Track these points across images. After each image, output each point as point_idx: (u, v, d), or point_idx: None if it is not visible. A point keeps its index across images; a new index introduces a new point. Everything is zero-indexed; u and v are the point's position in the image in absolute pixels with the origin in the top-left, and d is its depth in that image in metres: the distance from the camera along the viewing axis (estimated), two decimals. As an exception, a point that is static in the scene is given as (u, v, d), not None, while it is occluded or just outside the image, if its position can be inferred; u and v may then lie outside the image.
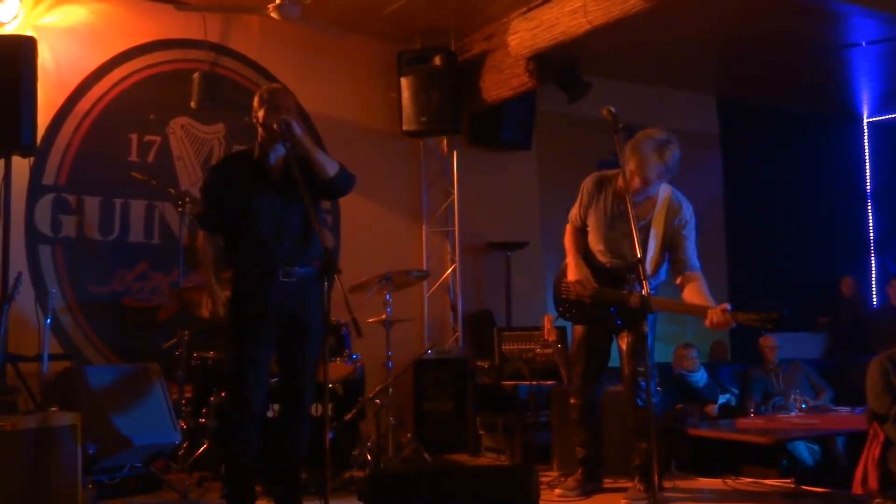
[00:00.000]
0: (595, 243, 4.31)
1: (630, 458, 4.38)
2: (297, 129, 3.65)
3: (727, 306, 3.81)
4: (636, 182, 4.12)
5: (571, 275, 4.27)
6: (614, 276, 4.20)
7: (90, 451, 4.00)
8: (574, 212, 4.42)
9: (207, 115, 6.16)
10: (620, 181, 4.13)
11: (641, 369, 4.20)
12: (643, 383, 4.20)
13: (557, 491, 4.43)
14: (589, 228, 4.34)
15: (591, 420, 4.45)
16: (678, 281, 4.21)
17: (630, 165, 4.08)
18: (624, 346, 4.31)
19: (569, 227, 4.45)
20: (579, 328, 4.41)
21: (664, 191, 4.24)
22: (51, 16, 5.74)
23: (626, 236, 4.09)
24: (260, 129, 3.75)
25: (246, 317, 3.68)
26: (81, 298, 5.68)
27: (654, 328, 4.25)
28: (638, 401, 4.23)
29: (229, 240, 3.78)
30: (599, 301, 4.21)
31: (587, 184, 4.36)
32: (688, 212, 4.25)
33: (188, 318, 5.32)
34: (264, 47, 6.44)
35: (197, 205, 4.44)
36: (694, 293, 4.08)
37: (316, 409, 4.55)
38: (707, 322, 3.84)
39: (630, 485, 4.33)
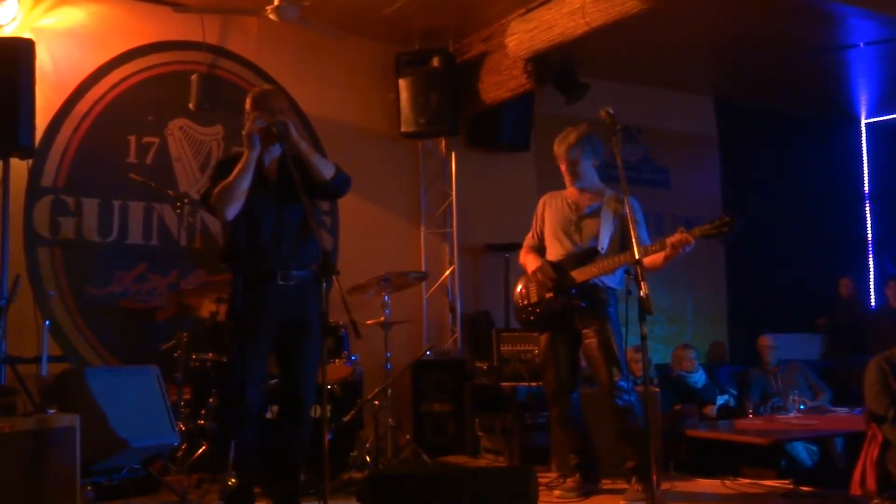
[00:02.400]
0: (552, 245, 4.50)
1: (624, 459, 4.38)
2: (294, 132, 3.65)
3: (682, 228, 3.99)
4: (563, 169, 4.48)
5: (530, 267, 4.47)
6: (571, 263, 4.37)
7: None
8: (529, 235, 4.67)
9: (206, 117, 6.16)
10: (568, 188, 4.54)
11: (615, 368, 4.27)
12: (621, 382, 4.27)
13: (556, 493, 4.45)
14: (545, 235, 4.55)
15: (575, 424, 4.51)
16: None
17: (561, 167, 4.50)
18: (593, 347, 4.34)
19: (524, 250, 4.65)
20: (544, 336, 4.50)
21: (609, 192, 4.50)
22: (49, 18, 5.74)
23: (578, 227, 4.41)
24: (245, 135, 3.73)
25: (245, 319, 3.68)
26: (80, 300, 5.68)
27: (619, 325, 4.34)
28: (618, 402, 4.26)
29: (228, 242, 3.77)
30: (561, 285, 4.34)
31: (541, 200, 4.66)
32: (633, 202, 4.30)
33: (187, 320, 5.33)
34: (262, 49, 6.44)
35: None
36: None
37: (315, 411, 4.54)
38: (668, 249, 3.98)
39: (627, 486, 4.33)
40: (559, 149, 4.46)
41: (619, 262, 4.23)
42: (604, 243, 4.33)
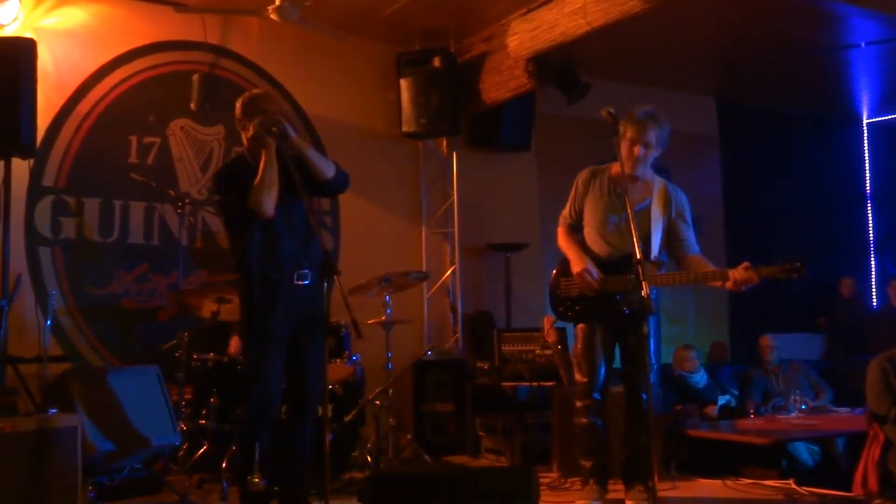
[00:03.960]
0: (592, 235, 4.23)
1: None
2: (292, 132, 3.65)
3: (748, 264, 3.80)
4: (637, 151, 4.08)
5: (576, 266, 4.12)
6: (614, 266, 4.10)
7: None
8: (566, 210, 4.36)
9: (207, 117, 6.16)
10: (616, 167, 4.15)
11: (645, 371, 4.06)
12: (643, 393, 4.07)
13: (580, 502, 4.22)
14: (585, 221, 4.27)
15: (600, 426, 4.23)
16: (686, 264, 4.16)
17: (629, 134, 4.08)
18: (626, 347, 4.18)
19: (561, 229, 4.36)
20: (582, 327, 4.23)
21: (658, 182, 4.23)
22: (50, 18, 5.74)
23: (626, 224, 4.03)
24: (250, 139, 3.73)
25: (262, 320, 3.67)
26: (81, 300, 5.68)
27: (659, 330, 4.18)
28: (645, 405, 4.03)
29: (239, 247, 3.76)
30: (606, 291, 4.08)
31: (582, 176, 4.32)
32: (683, 198, 4.25)
33: (188, 320, 5.33)
34: (264, 49, 6.44)
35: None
36: (704, 266, 4.07)
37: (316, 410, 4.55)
38: (729, 283, 3.81)
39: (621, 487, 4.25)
40: (641, 128, 4.06)
41: (700, 278, 4.04)
42: (655, 248, 4.11)
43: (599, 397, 4.20)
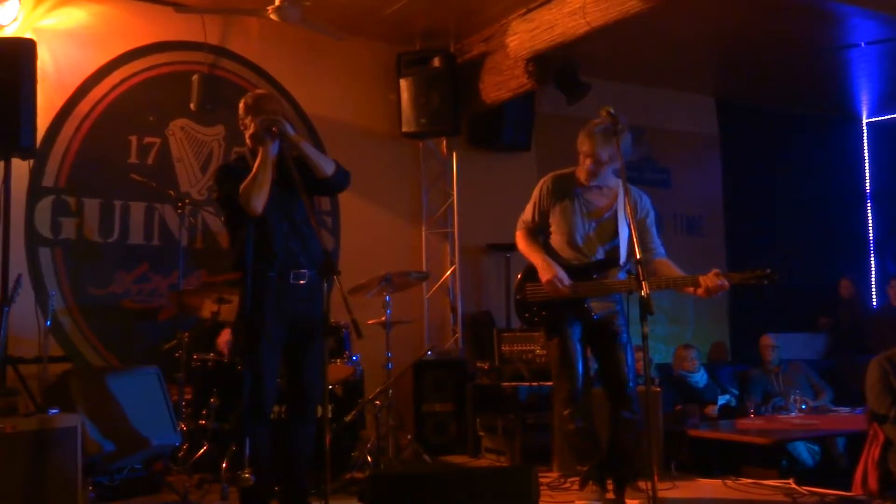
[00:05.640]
0: (560, 242, 4.21)
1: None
2: (291, 130, 3.66)
3: (718, 271, 3.82)
4: (588, 163, 4.08)
5: (544, 274, 4.09)
6: (582, 272, 4.11)
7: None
8: (528, 214, 4.34)
9: (207, 117, 6.16)
10: (579, 173, 4.16)
11: (625, 378, 4.07)
12: (631, 390, 4.08)
13: (580, 503, 4.22)
14: (553, 228, 4.26)
15: (589, 428, 4.21)
16: (653, 267, 4.11)
17: (584, 147, 4.08)
18: (599, 352, 4.18)
19: (520, 232, 4.35)
20: (554, 342, 4.19)
21: (620, 185, 4.14)
22: (50, 18, 5.74)
23: (597, 232, 4.12)
24: (250, 137, 3.73)
25: (259, 319, 3.67)
26: (81, 300, 5.68)
27: (628, 328, 4.15)
28: (626, 413, 4.06)
29: (237, 245, 3.76)
30: (576, 297, 4.07)
31: (546, 184, 4.28)
32: (647, 203, 4.22)
33: (188, 320, 5.33)
34: (264, 49, 6.44)
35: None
36: (675, 272, 4.06)
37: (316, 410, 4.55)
38: (701, 290, 3.83)
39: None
40: (592, 143, 4.05)
41: (671, 284, 4.00)
42: (622, 252, 4.10)
43: (582, 401, 4.17)
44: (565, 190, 4.22)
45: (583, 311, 4.10)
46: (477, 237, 7.14)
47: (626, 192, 3.94)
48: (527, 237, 4.33)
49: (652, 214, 4.23)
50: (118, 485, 4.40)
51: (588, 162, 4.10)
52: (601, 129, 4.03)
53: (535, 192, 4.33)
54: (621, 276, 4.12)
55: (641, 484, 4.16)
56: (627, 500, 4.12)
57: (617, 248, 4.11)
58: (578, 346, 4.16)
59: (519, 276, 4.35)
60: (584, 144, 4.10)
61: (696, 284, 3.86)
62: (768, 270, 3.71)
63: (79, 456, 3.76)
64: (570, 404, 4.16)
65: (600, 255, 4.13)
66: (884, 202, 9.41)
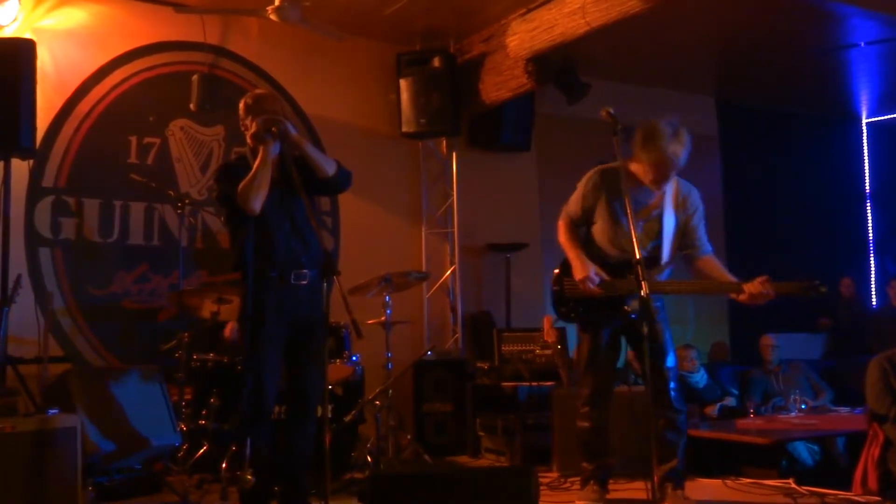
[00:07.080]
0: (603, 237, 4.12)
1: (631, 459, 4.30)
2: (292, 130, 3.66)
3: (765, 278, 3.73)
4: (650, 176, 3.96)
5: (578, 272, 4.00)
6: (622, 269, 3.99)
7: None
8: (573, 206, 4.21)
9: (207, 117, 6.16)
10: (636, 171, 4.03)
11: (669, 366, 4.03)
12: (672, 383, 4.05)
13: (581, 503, 4.22)
14: (597, 221, 4.15)
15: (604, 433, 4.20)
16: (697, 265, 4.10)
17: (646, 159, 3.95)
18: (643, 345, 3.93)
19: (563, 223, 4.22)
20: (586, 337, 4.16)
21: (671, 183, 4.10)
22: (50, 18, 5.74)
23: (643, 230, 4.02)
24: (251, 137, 3.73)
25: (260, 319, 3.67)
26: (81, 301, 5.68)
27: (668, 322, 4.10)
28: (669, 413, 4.01)
29: (237, 245, 3.76)
30: (612, 295, 3.99)
31: (593, 178, 4.16)
32: (696, 198, 4.17)
33: (188, 321, 5.33)
34: (263, 49, 6.44)
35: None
36: (718, 274, 4.01)
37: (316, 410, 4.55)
38: (744, 296, 3.75)
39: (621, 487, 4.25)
40: (677, 152, 3.98)
41: (714, 288, 3.97)
42: (666, 253, 4.04)
43: (603, 401, 4.16)
44: (614, 185, 4.06)
45: (622, 311, 4.01)
46: (477, 237, 7.14)
47: (675, 192, 3.92)
48: (567, 231, 4.21)
49: (700, 209, 4.16)
50: (118, 485, 4.40)
51: (651, 175, 3.96)
52: (668, 138, 3.96)
53: (581, 185, 4.21)
54: (664, 275, 4.07)
55: (688, 494, 4.08)
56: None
57: (660, 246, 4.05)
58: (610, 346, 4.12)
59: (557, 269, 4.25)
60: (647, 154, 3.95)
61: (739, 291, 3.78)
62: (817, 282, 3.63)
63: (79, 456, 3.76)
64: (590, 402, 4.16)
65: (643, 253, 3.91)
66: (884, 202, 9.41)
